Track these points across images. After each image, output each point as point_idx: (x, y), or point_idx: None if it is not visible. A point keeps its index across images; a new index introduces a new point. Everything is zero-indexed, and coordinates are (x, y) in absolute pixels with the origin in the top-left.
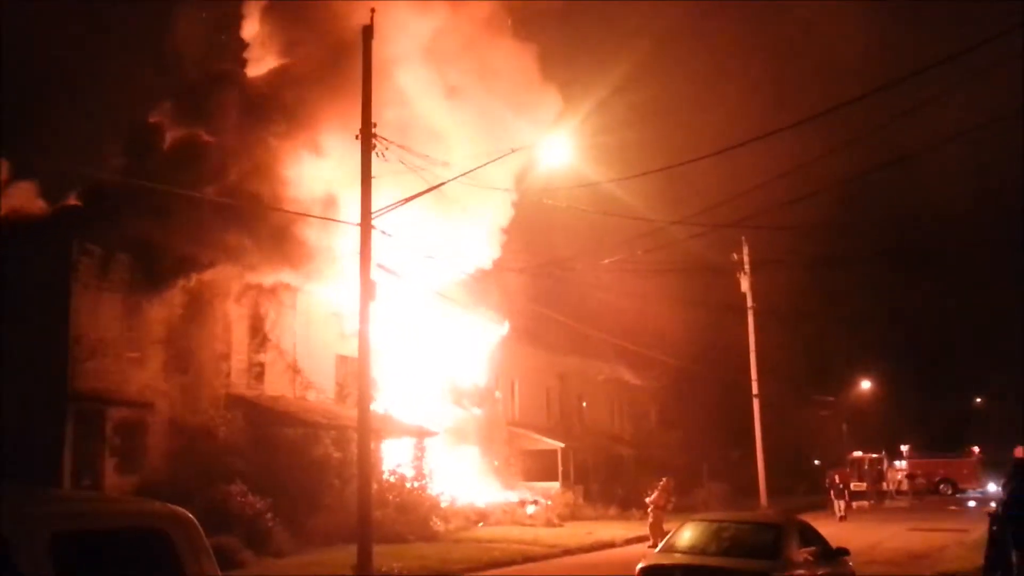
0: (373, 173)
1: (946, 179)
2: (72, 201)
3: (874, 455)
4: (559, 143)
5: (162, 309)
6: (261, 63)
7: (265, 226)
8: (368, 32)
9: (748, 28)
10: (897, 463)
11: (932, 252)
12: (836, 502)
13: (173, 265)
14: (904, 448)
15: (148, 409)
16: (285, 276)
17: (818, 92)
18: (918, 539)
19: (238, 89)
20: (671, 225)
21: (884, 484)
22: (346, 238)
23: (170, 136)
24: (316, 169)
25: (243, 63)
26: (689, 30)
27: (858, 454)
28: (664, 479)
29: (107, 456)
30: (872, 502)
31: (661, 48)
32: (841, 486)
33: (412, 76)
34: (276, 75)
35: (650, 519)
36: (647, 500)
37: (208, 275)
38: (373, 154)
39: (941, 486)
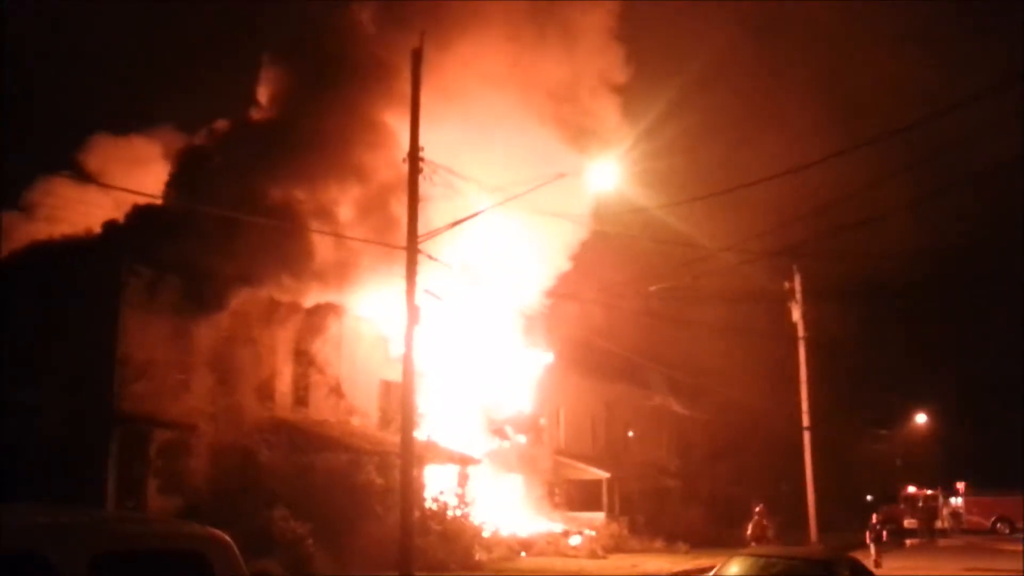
0: (422, 196)
1: (1010, 208)
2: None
3: (929, 491)
4: (608, 168)
5: (208, 331)
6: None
7: (312, 248)
8: (417, 56)
9: (802, 52)
10: (952, 500)
11: (994, 283)
12: (871, 546)
13: (220, 287)
14: (960, 485)
15: (192, 431)
16: (331, 299)
17: (875, 117)
18: None
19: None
20: (721, 252)
21: (939, 522)
22: (394, 262)
23: (218, 155)
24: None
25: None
26: (742, 54)
27: (912, 490)
28: (759, 507)
29: (151, 477)
30: (924, 540)
31: (712, 72)
32: (880, 528)
33: (465, 99)
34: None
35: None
36: (747, 535)
37: (255, 298)
38: (420, 178)
39: (998, 525)
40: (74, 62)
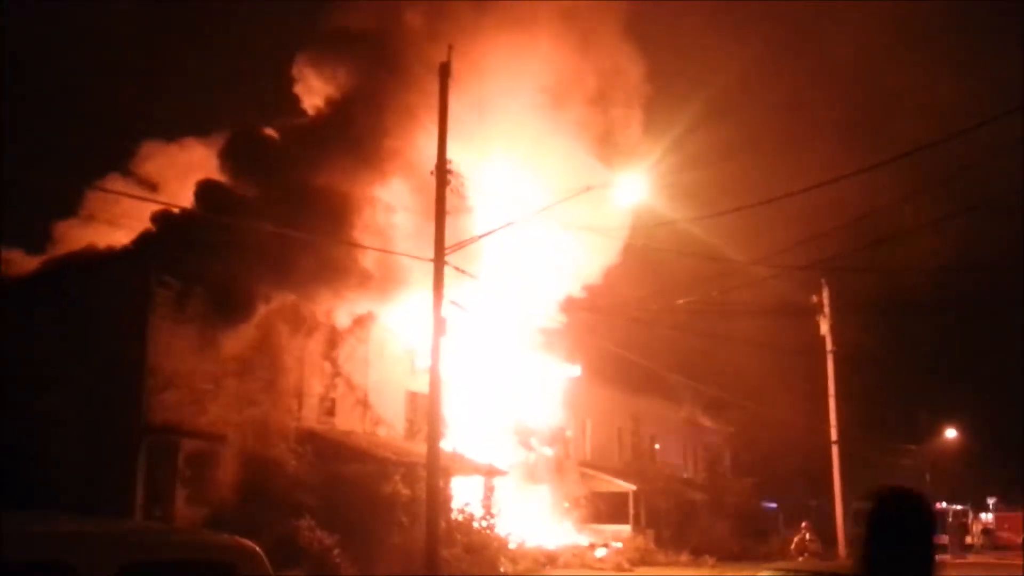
0: (455, 208)
1: None
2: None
3: (958, 507)
4: (637, 182)
5: (236, 342)
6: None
7: (340, 259)
8: (445, 69)
9: (831, 66)
10: (983, 516)
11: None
12: None
13: (248, 298)
14: (991, 500)
15: (220, 441)
16: (359, 310)
17: (906, 131)
18: None
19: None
20: (749, 266)
21: (969, 538)
22: (421, 273)
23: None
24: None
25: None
26: (771, 68)
27: (941, 506)
28: (805, 523)
29: (178, 488)
30: (955, 556)
31: (742, 85)
32: None
33: (496, 111)
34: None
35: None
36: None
37: (281, 309)
38: (448, 190)
39: None
40: (114, 67)
